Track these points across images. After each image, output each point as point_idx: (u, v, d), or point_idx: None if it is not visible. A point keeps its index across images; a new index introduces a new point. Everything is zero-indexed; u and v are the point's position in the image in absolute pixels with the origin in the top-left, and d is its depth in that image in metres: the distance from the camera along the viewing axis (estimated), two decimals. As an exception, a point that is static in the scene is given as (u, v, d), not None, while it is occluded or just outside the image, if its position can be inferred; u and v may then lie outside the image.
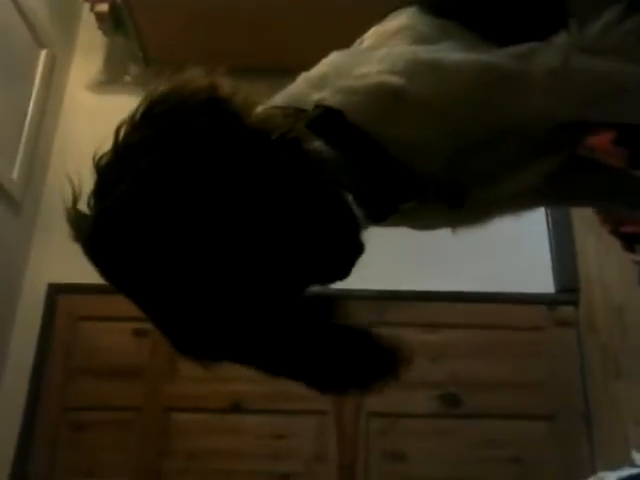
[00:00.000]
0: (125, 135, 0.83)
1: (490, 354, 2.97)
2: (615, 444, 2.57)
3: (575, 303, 3.00)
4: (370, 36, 1.07)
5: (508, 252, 3.06)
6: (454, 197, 1.03)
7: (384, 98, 0.93)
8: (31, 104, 3.08)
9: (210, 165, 0.80)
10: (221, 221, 0.79)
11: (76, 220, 0.85)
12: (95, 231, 0.82)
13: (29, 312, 3.04)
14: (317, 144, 0.90)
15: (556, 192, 1.20)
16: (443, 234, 3.29)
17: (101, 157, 0.83)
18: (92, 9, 3.12)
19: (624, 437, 2.46)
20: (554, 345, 2.98)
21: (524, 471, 2.81)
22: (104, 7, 3.08)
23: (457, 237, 3.21)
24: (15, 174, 2.96)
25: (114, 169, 0.82)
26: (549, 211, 3.16)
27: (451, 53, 0.95)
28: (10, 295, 3.01)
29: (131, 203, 0.80)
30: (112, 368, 2.98)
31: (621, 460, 2.28)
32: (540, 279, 3.04)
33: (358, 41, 1.09)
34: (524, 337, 2.99)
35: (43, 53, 3.17)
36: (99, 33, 3.24)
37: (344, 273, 0.92)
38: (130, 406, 2.93)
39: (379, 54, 0.98)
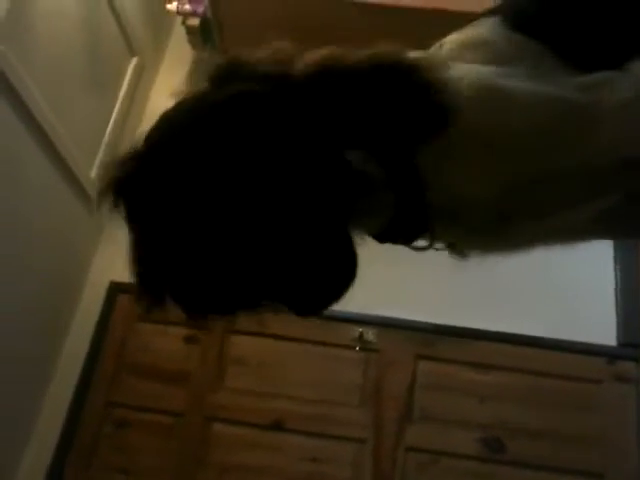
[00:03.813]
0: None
1: (541, 402, 2.85)
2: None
3: (637, 359, 2.87)
4: (450, 42, 1.04)
5: (572, 299, 2.97)
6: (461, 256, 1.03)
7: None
8: (116, 107, 3.21)
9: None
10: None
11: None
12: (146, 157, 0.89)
13: (89, 306, 3.13)
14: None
15: (613, 226, 1.14)
16: (508, 273, 3.21)
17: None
18: (184, 22, 3.24)
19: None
20: (611, 400, 2.83)
21: (566, 530, 2.68)
22: (195, 21, 3.19)
23: (522, 278, 3.13)
24: (93, 173, 3.07)
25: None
26: (618, 261, 3.05)
27: (523, 82, 0.92)
28: (73, 289, 3.11)
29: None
30: (160, 371, 3.01)
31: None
32: (602, 330, 2.92)
33: (438, 44, 1.06)
34: (579, 388, 2.86)
35: (134, 60, 3.31)
36: (188, 46, 3.36)
37: (332, 284, 0.90)
38: (173, 411, 2.95)
39: (456, 72, 0.95)
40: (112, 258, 3.17)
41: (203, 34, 3.23)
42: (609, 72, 0.93)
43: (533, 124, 0.90)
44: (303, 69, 0.91)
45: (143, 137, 0.92)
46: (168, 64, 3.56)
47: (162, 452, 2.89)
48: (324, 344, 3.00)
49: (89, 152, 3.04)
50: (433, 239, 1.00)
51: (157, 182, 0.87)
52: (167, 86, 3.48)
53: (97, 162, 3.10)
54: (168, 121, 0.92)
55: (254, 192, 0.83)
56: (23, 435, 2.85)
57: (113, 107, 3.21)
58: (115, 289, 3.15)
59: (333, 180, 0.86)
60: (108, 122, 3.17)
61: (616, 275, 3.06)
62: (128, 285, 3.07)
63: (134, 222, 0.90)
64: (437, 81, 0.89)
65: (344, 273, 0.90)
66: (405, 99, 0.89)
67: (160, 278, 0.89)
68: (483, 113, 0.90)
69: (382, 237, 1.00)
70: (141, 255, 0.89)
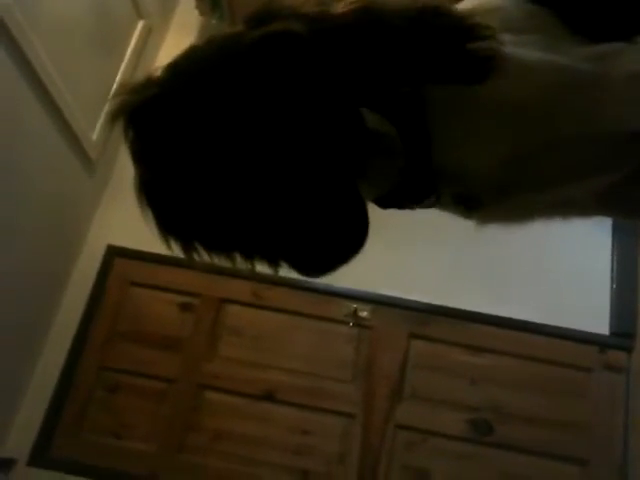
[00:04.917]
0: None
1: (531, 387, 2.88)
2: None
3: (629, 349, 2.89)
4: (462, 7, 1.02)
5: (568, 286, 2.98)
6: (470, 204, 1.01)
7: (453, 89, 0.90)
8: (121, 70, 3.17)
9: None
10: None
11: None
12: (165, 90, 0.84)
13: (85, 269, 3.12)
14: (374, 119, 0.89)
15: (613, 203, 1.14)
16: (505, 257, 3.20)
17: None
18: (192, -13, 3.20)
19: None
20: (600, 389, 2.86)
21: (549, 514, 2.72)
22: (204, -13, 3.16)
23: (519, 262, 3.13)
24: (95, 135, 3.05)
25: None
26: (616, 250, 3.06)
27: (531, 51, 0.91)
28: (70, 251, 3.10)
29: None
30: (154, 337, 3.02)
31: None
32: (596, 319, 2.94)
33: None
34: (570, 375, 2.89)
35: (140, 24, 3.27)
36: (195, 12, 3.31)
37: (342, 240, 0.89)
38: (166, 377, 2.97)
39: None
40: (110, 222, 3.17)
41: (211, 1, 3.19)
42: (618, 43, 0.92)
43: (541, 93, 0.89)
44: (343, 11, 0.88)
45: (165, 66, 0.87)
46: (175, 30, 3.52)
47: (153, 417, 2.91)
48: (319, 318, 3.02)
49: (92, 114, 3.00)
50: (437, 202, 1.00)
51: (176, 113, 0.83)
52: (174, 52, 3.39)
53: (99, 125, 3.07)
54: (197, 53, 0.88)
55: (271, 133, 0.81)
56: (15, 398, 2.87)
57: (118, 70, 3.17)
58: (112, 253, 3.14)
59: (346, 133, 0.85)
60: (112, 85, 3.13)
61: (613, 263, 3.07)
62: (125, 249, 3.06)
63: (142, 151, 0.87)
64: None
65: (355, 232, 0.88)
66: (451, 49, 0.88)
67: (166, 212, 0.86)
68: (492, 80, 0.89)
69: (387, 201, 0.99)
70: (146, 186, 0.86)
